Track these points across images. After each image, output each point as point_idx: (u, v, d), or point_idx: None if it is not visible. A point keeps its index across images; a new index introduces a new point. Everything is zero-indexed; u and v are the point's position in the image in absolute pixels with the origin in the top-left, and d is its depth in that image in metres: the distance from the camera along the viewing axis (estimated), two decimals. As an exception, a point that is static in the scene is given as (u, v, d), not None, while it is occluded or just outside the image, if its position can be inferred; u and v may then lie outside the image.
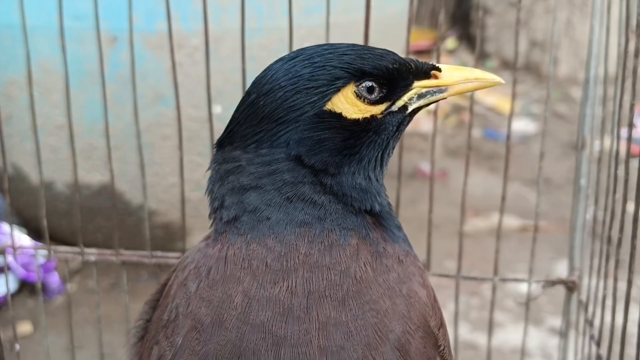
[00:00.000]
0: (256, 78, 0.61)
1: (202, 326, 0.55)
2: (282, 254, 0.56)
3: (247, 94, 0.60)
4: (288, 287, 0.55)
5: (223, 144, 0.61)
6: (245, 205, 0.58)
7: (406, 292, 0.58)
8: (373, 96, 0.60)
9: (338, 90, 0.58)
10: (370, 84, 0.60)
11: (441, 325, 0.61)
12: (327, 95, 0.58)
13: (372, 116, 0.60)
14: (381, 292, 0.57)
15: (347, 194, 0.59)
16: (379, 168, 0.62)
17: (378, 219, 0.62)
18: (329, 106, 0.58)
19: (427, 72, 0.63)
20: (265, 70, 0.61)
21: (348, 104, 0.59)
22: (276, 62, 0.60)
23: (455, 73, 0.63)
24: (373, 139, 0.60)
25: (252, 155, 0.58)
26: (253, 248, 0.57)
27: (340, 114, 0.58)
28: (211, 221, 0.62)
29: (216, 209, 0.61)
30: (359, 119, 0.59)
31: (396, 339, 0.55)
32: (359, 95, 0.59)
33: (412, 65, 0.62)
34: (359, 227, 0.59)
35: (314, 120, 0.58)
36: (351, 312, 0.55)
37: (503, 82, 0.64)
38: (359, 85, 0.59)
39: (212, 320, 0.55)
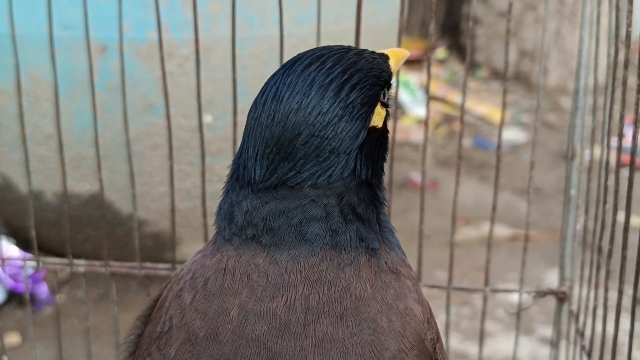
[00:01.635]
0: (293, 113, 0.56)
1: (196, 339, 0.55)
2: (286, 269, 0.55)
3: (293, 131, 0.56)
4: (286, 302, 0.54)
5: (274, 186, 0.57)
6: (304, 232, 0.56)
7: (402, 309, 0.58)
8: (385, 100, 0.62)
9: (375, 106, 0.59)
10: (385, 90, 0.61)
11: (437, 339, 0.61)
12: (371, 114, 0.58)
13: (384, 119, 0.62)
14: (378, 309, 0.56)
15: (381, 200, 0.61)
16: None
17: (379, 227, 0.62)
18: (370, 124, 0.59)
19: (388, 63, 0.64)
20: (301, 97, 0.57)
21: (376, 114, 0.60)
22: (308, 86, 0.57)
23: (393, 61, 0.64)
24: (386, 138, 0.62)
25: (323, 190, 0.57)
26: (257, 262, 0.56)
27: (375, 127, 0.59)
28: (219, 236, 0.60)
29: (250, 236, 0.57)
30: (382, 125, 0.61)
31: (391, 357, 0.55)
32: (382, 104, 0.61)
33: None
34: (372, 242, 0.59)
35: (367, 141, 0.58)
36: (348, 329, 0.54)
37: (409, 53, 0.68)
38: (383, 94, 0.61)
39: (206, 333, 0.54)
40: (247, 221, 0.57)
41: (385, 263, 0.60)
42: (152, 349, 0.58)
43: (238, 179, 0.58)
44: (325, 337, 0.53)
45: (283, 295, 0.54)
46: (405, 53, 0.67)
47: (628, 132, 2.48)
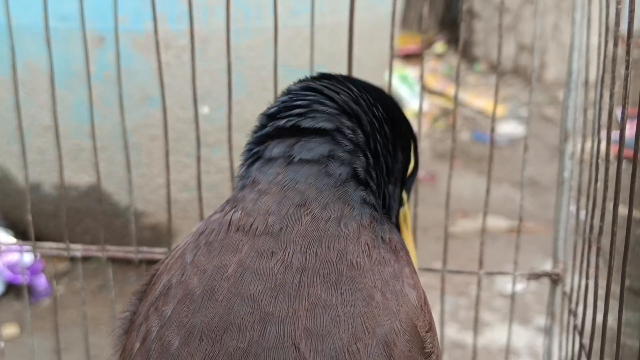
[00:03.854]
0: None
1: (192, 296, 0.54)
2: (289, 214, 0.56)
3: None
4: (284, 260, 0.54)
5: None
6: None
7: (399, 290, 0.57)
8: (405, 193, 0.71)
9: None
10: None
11: (430, 328, 0.59)
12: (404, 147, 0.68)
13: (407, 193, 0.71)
14: (374, 284, 0.56)
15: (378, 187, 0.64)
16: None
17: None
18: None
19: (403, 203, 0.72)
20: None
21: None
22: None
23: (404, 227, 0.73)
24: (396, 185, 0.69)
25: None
26: (264, 201, 0.57)
27: (406, 160, 0.69)
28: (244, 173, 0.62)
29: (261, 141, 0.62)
30: (407, 170, 0.70)
31: (383, 335, 0.54)
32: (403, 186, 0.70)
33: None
34: (375, 211, 0.61)
35: (392, 146, 0.66)
36: (342, 297, 0.53)
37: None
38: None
39: (203, 291, 0.54)
40: (260, 124, 0.62)
41: (390, 239, 0.60)
42: (149, 312, 0.57)
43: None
44: (319, 302, 0.52)
45: (282, 251, 0.54)
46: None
47: (630, 125, 2.48)
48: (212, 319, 0.53)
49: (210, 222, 0.59)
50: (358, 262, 0.56)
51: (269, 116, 0.62)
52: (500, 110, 3.21)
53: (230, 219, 0.57)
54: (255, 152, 0.61)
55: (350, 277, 0.55)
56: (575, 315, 0.85)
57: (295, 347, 0.51)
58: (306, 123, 0.59)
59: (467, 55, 3.79)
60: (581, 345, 0.81)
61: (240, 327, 0.52)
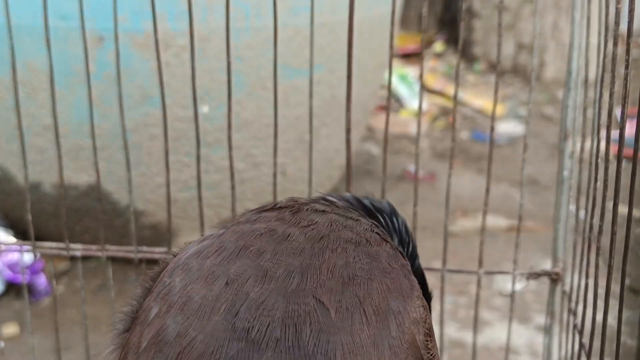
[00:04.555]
0: None
1: (225, 251, 0.57)
2: (318, 209, 0.63)
3: None
4: (309, 229, 0.59)
5: None
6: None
7: (413, 280, 0.58)
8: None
9: None
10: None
11: (429, 334, 0.58)
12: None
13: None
14: (389, 262, 0.58)
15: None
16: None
17: None
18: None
19: None
20: None
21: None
22: None
23: None
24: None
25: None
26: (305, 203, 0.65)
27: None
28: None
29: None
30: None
31: (396, 307, 0.54)
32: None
33: None
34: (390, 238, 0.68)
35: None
36: (359, 259, 0.57)
37: None
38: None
39: (235, 247, 0.57)
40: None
41: (398, 250, 0.64)
42: (175, 273, 0.57)
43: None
44: (338, 261, 0.56)
45: (307, 223, 0.60)
46: None
47: (629, 124, 2.48)
48: (239, 267, 0.55)
49: (242, 213, 0.66)
50: (374, 243, 0.60)
51: None
52: (500, 109, 3.21)
53: (264, 207, 0.65)
54: None
55: (367, 251, 0.58)
56: (574, 314, 0.85)
57: (317, 299, 0.52)
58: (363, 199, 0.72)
59: (467, 55, 3.79)
60: (581, 345, 0.81)
61: (267, 274, 0.54)
